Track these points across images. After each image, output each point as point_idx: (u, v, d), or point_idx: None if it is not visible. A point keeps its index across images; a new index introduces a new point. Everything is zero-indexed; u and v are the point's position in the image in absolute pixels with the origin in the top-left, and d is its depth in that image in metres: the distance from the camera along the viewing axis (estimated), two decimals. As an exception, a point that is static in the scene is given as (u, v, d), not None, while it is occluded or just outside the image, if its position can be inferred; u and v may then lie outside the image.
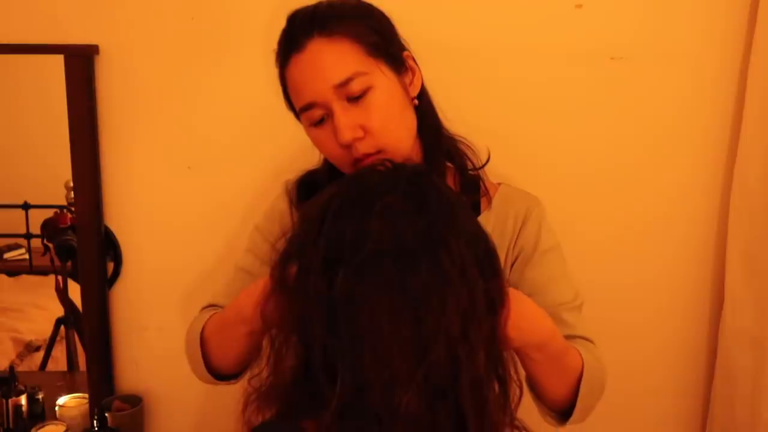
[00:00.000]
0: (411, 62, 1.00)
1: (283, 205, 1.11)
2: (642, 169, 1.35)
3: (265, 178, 1.33)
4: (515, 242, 1.04)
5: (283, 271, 0.73)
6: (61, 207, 1.53)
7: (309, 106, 0.93)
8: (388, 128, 0.94)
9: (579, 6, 1.28)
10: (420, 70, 1.01)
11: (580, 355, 0.92)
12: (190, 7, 1.31)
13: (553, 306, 0.98)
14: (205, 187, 1.38)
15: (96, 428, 1.35)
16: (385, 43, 0.96)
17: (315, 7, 0.96)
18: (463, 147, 1.07)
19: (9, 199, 1.55)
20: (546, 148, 1.34)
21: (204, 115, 1.35)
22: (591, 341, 1.00)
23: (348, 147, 0.92)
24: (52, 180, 1.53)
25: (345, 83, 0.91)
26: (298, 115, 0.98)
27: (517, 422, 0.75)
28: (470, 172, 1.06)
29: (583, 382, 0.90)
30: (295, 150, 1.32)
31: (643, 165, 1.35)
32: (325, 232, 0.69)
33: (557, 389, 0.91)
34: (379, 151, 0.93)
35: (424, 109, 1.02)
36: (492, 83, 1.32)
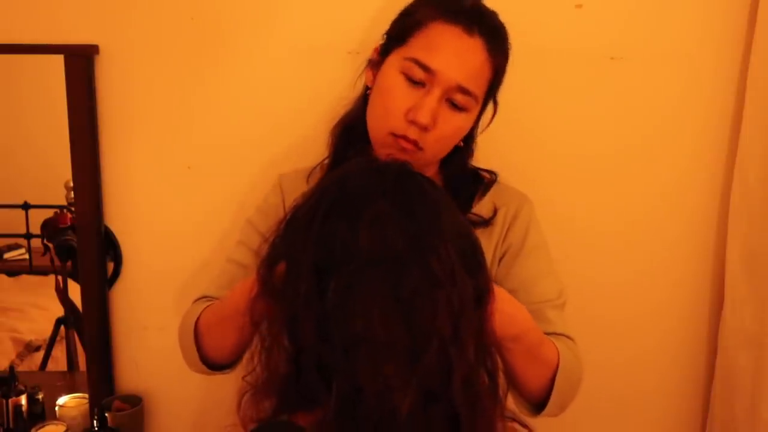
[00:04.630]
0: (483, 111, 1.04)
1: (276, 198, 1.12)
2: (642, 168, 1.36)
3: (266, 177, 1.33)
4: (504, 239, 1.07)
5: (270, 274, 0.74)
6: (61, 207, 1.53)
7: (425, 68, 0.94)
8: (442, 142, 0.99)
9: (579, 6, 1.28)
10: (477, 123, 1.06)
11: (557, 348, 0.93)
12: (190, 7, 1.31)
13: (537, 302, 1.00)
14: (205, 187, 1.38)
15: (96, 428, 1.35)
16: (496, 91, 1.03)
17: (491, 12, 1.00)
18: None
19: (9, 199, 1.55)
20: (546, 147, 1.34)
21: (204, 115, 1.35)
22: (572, 339, 1.01)
23: (409, 122, 0.95)
24: (52, 180, 1.52)
25: (462, 91, 0.95)
26: (392, 47, 0.98)
27: (507, 412, 0.75)
28: (465, 168, 1.09)
29: (558, 375, 0.92)
30: (295, 149, 1.32)
31: (642, 165, 1.35)
32: (315, 239, 0.69)
33: (533, 380, 0.92)
34: (419, 147, 0.96)
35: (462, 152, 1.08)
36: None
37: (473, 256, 0.73)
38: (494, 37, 0.98)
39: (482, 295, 0.73)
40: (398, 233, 0.68)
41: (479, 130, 1.08)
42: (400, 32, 0.99)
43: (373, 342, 0.66)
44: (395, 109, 0.96)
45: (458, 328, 0.68)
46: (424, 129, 0.94)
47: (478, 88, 0.97)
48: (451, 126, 0.97)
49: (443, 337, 0.67)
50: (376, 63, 1.02)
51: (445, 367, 0.67)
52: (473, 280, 0.71)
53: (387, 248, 0.67)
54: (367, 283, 0.67)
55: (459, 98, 0.95)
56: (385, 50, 1.01)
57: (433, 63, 0.94)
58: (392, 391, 0.65)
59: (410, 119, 0.94)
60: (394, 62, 0.98)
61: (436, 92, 0.94)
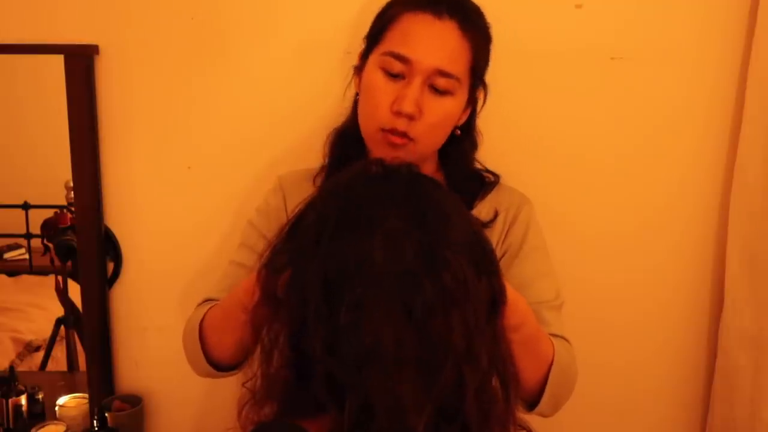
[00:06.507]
0: (474, 97, 1.05)
1: (277, 200, 1.13)
2: (642, 169, 1.35)
3: (266, 177, 1.33)
4: (504, 239, 1.07)
5: (274, 282, 0.72)
6: (61, 207, 1.53)
7: (401, 59, 0.96)
8: (432, 131, 1.00)
9: (579, 6, 1.28)
10: (475, 111, 1.07)
11: (553, 344, 0.94)
12: (190, 7, 1.31)
13: (534, 303, 0.99)
14: (205, 187, 1.38)
15: (96, 428, 1.35)
16: (482, 72, 1.03)
17: None
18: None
19: (9, 199, 1.55)
20: (545, 147, 1.34)
21: (203, 115, 1.35)
22: (567, 341, 1.01)
23: (396, 114, 0.96)
24: (52, 180, 1.53)
25: (443, 74, 0.96)
26: (370, 48, 1.01)
27: (518, 421, 0.75)
28: (468, 166, 1.10)
29: (552, 370, 0.92)
30: (295, 149, 1.32)
31: (642, 165, 1.35)
32: (325, 251, 0.68)
33: (528, 373, 0.92)
34: (410, 139, 0.97)
35: (462, 143, 1.08)
36: (491, 83, 1.31)
37: (485, 260, 0.72)
38: (465, 16, 0.99)
39: (496, 299, 0.72)
40: (410, 247, 0.66)
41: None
42: (376, 32, 1.02)
43: (385, 359, 0.64)
44: (380, 104, 0.97)
45: (472, 343, 0.67)
46: (411, 118, 0.96)
47: (458, 69, 0.98)
48: (439, 112, 0.98)
49: (457, 353, 0.66)
50: (359, 68, 1.05)
51: (458, 383, 0.66)
52: (486, 285, 0.70)
53: (399, 263, 0.66)
54: (379, 298, 0.65)
55: (441, 82, 0.97)
56: (365, 53, 1.04)
57: (408, 52, 0.96)
58: (406, 411, 0.64)
59: (395, 111, 0.96)
60: (373, 61, 1.00)
61: (417, 80, 0.96)
